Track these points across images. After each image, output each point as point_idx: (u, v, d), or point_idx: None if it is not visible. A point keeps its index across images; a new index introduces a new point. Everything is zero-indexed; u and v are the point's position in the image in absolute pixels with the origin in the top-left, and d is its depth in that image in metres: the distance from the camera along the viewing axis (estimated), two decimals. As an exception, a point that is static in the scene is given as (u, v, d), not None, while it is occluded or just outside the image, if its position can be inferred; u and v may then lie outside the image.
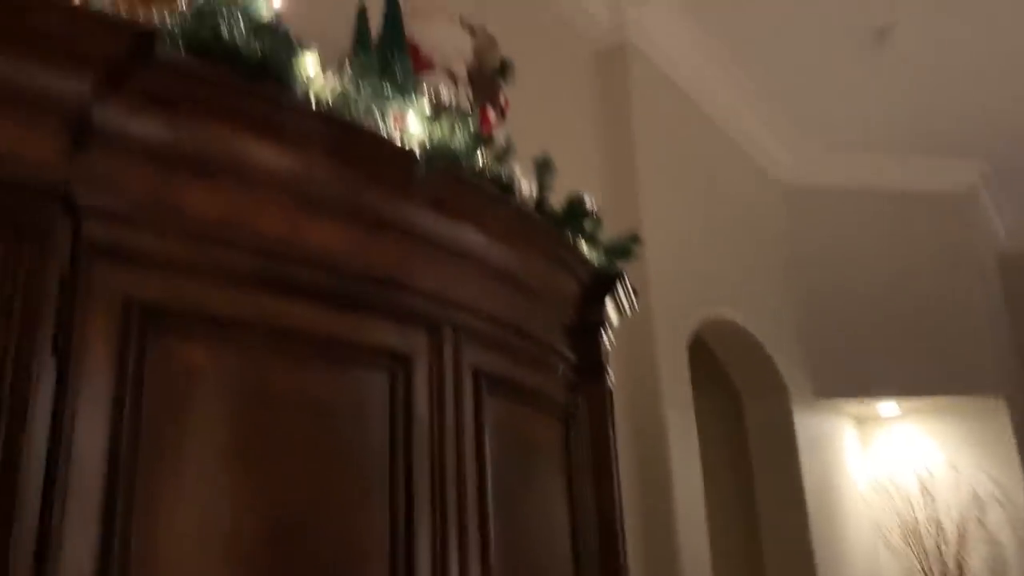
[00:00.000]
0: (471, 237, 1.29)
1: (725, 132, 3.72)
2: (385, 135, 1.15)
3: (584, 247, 1.58)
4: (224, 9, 0.99)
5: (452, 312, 1.27)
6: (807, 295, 4.03)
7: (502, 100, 1.96)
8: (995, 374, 4.04)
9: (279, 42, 1.00)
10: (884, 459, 4.15)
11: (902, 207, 4.33)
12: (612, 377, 1.73)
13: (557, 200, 1.57)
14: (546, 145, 2.45)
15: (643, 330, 2.74)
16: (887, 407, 4.08)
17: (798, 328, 3.91)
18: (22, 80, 0.82)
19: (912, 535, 3.90)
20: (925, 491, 3.97)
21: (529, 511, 1.40)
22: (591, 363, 1.64)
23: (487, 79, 1.99)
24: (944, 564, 3.80)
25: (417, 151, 1.17)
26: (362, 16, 1.64)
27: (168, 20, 0.97)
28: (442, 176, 1.20)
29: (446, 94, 1.23)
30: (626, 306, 1.75)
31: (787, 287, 3.98)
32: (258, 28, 1.00)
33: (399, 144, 1.16)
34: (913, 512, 3.94)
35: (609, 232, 1.71)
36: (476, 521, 1.23)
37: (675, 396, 2.79)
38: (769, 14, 3.25)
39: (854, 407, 4.05)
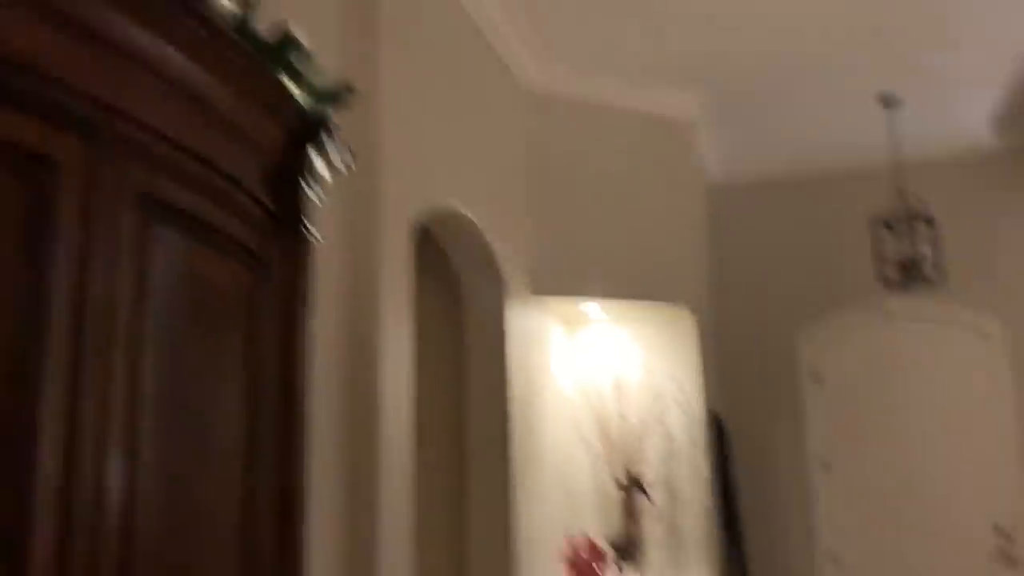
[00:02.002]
0: (149, 40, 1.13)
1: (478, 27, 3.67)
2: None
3: (291, 85, 1.46)
4: None
5: (118, 122, 1.11)
6: (535, 196, 4.15)
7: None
8: (688, 288, 4.46)
9: None
10: (585, 357, 4.46)
11: (633, 128, 4.57)
12: (317, 235, 1.64)
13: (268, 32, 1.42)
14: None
15: (368, 208, 2.67)
16: (593, 309, 4.37)
17: (522, 226, 4.03)
18: None
19: (602, 428, 4.26)
20: (618, 389, 4.33)
21: (200, 362, 1.29)
22: (290, 214, 1.54)
23: None
24: (627, 454, 4.20)
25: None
26: None
27: None
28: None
29: None
30: (338, 162, 1.65)
31: (517, 188, 4.07)
32: None
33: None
34: (605, 407, 4.29)
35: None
36: (125, 372, 1.10)
37: (394, 278, 2.75)
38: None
39: (563, 306, 4.29)
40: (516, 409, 3.67)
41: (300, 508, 1.46)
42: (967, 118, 5.14)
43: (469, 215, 3.45)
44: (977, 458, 5.19)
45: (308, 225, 1.57)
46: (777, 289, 5.68)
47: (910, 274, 4.51)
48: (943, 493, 5.21)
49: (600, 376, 4.41)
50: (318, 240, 1.60)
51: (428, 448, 3.51)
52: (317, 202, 1.61)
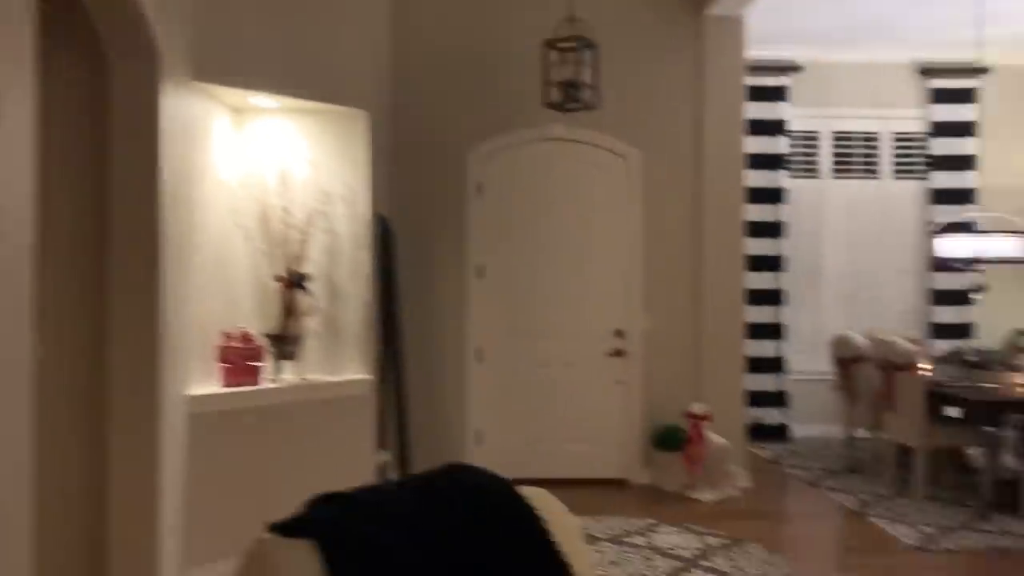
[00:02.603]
0: None
1: None
2: None
3: None
4: None
5: None
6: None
7: None
8: (366, 91, 4.41)
9: None
10: (252, 149, 4.29)
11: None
12: None
13: None
14: None
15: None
16: (264, 101, 4.17)
17: (188, 4, 3.66)
18: None
19: (265, 222, 4.19)
20: (284, 183, 4.25)
21: None
22: None
23: None
24: (289, 250, 4.18)
25: None
26: None
27: None
28: None
29: None
30: None
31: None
32: None
33: None
34: (269, 201, 4.20)
35: None
36: None
37: (7, 39, 2.38)
38: None
39: (230, 96, 4.04)
40: (168, 198, 3.47)
41: None
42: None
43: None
44: (608, 268, 5.92)
45: None
46: (453, 102, 5.82)
47: (570, 96, 4.83)
48: (577, 297, 5.91)
49: (266, 169, 4.28)
50: None
51: (60, 231, 3.24)
52: None
